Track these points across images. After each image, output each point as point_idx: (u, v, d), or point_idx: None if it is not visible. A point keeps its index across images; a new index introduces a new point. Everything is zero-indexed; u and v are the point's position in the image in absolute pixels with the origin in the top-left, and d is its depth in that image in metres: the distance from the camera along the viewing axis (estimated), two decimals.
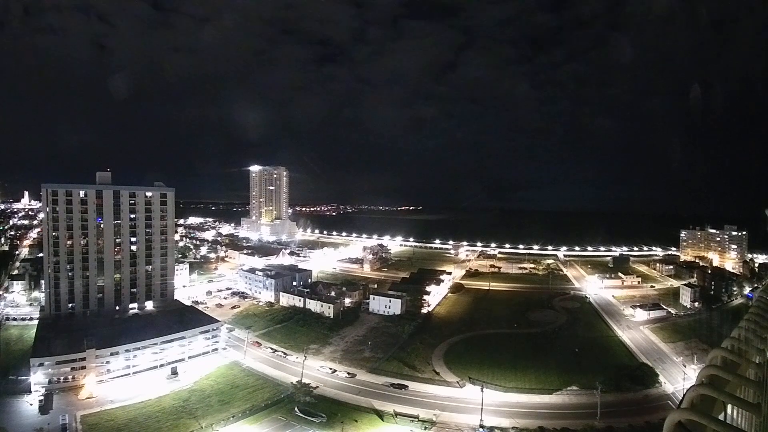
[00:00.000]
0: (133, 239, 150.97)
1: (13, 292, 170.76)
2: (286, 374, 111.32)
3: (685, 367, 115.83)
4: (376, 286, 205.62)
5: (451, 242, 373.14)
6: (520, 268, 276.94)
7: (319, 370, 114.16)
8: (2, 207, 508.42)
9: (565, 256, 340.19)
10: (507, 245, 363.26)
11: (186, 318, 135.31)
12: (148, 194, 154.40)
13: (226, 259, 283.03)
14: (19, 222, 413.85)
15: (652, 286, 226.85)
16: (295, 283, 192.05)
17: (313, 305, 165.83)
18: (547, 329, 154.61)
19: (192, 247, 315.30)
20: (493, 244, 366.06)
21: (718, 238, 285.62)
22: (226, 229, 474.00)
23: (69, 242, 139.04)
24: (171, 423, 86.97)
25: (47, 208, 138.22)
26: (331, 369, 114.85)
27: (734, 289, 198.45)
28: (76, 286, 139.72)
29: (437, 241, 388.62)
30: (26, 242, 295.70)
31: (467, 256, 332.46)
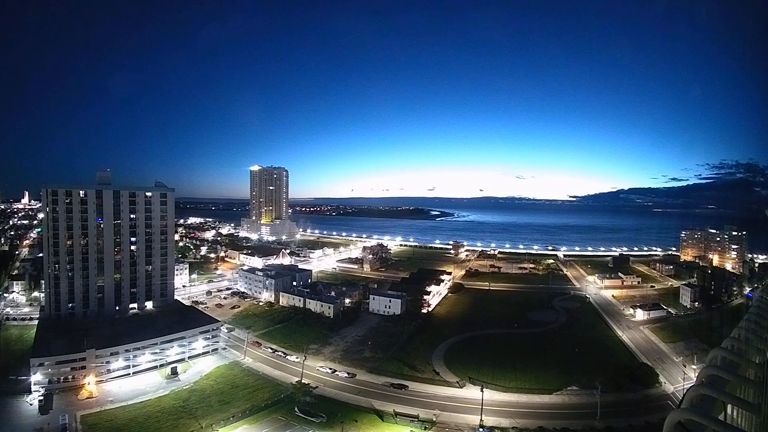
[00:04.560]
0: (133, 239, 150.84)
1: (13, 292, 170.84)
2: (286, 374, 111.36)
3: (685, 367, 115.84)
4: (376, 286, 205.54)
5: (451, 242, 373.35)
6: (520, 268, 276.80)
7: (319, 370, 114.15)
8: (2, 207, 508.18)
9: (565, 256, 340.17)
10: (507, 245, 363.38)
11: (186, 318, 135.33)
12: (148, 194, 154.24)
13: (226, 259, 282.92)
14: (19, 222, 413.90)
15: (652, 286, 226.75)
16: (295, 283, 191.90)
17: (313, 305, 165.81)
18: (547, 329, 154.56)
19: (192, 247, 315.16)
20: (493, 244, 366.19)
21: (718, 238, 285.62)
22: (226, 229, 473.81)
23: (69, 242, 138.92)
24: (171, 423, 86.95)
25: (47, 209, 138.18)
26: (331, 369, 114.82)
27: (734, 289, 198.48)
28: (76, 286, 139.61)
29: (437, 241, 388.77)
30: (26, 242, 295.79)
31: (467, 256, 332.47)
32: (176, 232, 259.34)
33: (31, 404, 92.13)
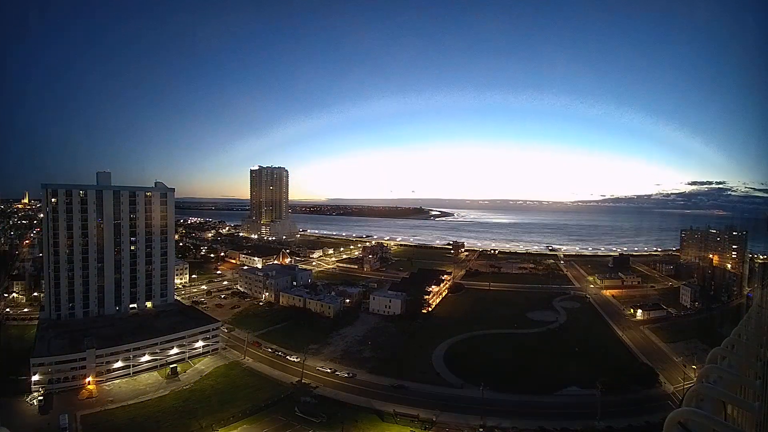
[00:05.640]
0: (133, 239, 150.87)
1: (13, 292, 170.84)
2: (286, 374, 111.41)
3: (685, 367, 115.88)
4: (376, 286, 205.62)
5: (451, 242, 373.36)
6: (520, 268, 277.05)
7: (319, 370, 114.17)
8: (2, 207, 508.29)
9: (565, 256, 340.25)
10: (507, 245, 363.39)
11: (186, 318, 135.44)
12: (148, 194, 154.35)
13: (226, 259, 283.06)
14: (19, 222, 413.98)
15: (652, 286, 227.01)
16: (295, 283, 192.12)
17: (313, 305, 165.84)
18: (547, 329, 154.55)
19: (192, 247, 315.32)
20: (493, 244, 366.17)
21: (718, 238, 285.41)
22: (226, 229, 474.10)
23: (69, 242, 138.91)
24: (171, 423, 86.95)
25: (47, 208, 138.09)
26: (331, 369, 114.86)
27: (734, 289, 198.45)
28: (76, 286, 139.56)
29: (437, 241, 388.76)
30: (26, 242, 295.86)
31: (467, 256, 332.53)
32: (176, 232, 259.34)
33: (31, 404, 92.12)
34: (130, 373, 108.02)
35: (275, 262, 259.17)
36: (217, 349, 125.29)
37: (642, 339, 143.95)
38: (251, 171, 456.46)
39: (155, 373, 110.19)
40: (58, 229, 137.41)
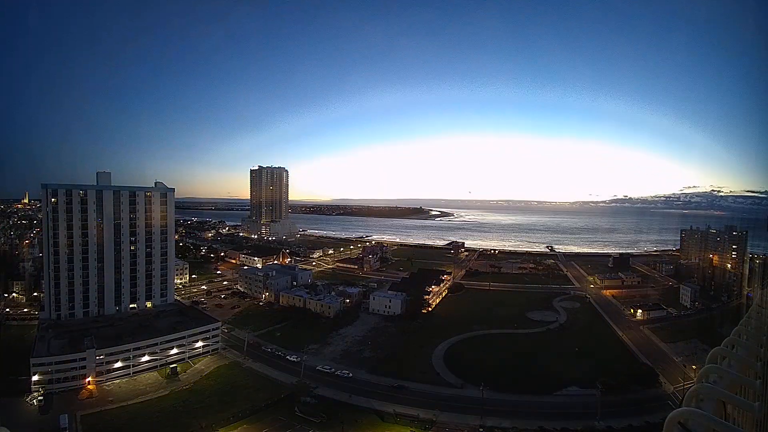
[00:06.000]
0: (133, 239, 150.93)
1: (13, 292, 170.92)
2: (286, 374, 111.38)
3: (685, 367, 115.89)
4: (376, 286, 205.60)
5: (451, 242, 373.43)
6: (520, 268, 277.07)
7: (319, 370, 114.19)
8: (2, 207, 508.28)
9: (565, 256, 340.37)
10: (507, 245, 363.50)
11: (186, 318, 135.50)
12: (148, 194, 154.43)
13: (226, 259, 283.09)
14: (19, 222, 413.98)
15: (652, 286, 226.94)
16: (295, 283, 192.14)
17: (313, 305, 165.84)
18: (547, 329, 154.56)
19: (192, 247, 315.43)
20: (493, 244, 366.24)
21: (718, 238, 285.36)
22: (226, 229, 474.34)
23: (69, 242, 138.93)
24: (171, 423, 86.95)
25: (47, 208, 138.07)
26: (331, 369, 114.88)
27: (734, 289, 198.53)
28: (76, 286, 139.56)
29: (437, 241, 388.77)
30: (26, 242, 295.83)
31: (467, 256, 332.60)
32: (176, 232, 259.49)
33: (31, 404, 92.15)
34: (130, 373, 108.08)
35: (275, 262, 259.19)
36: (217, 349, 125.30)
37: (642, 339, 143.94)
38: (251, 171, 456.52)
39: (155, 373, 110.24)
40: (58, 229, 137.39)
